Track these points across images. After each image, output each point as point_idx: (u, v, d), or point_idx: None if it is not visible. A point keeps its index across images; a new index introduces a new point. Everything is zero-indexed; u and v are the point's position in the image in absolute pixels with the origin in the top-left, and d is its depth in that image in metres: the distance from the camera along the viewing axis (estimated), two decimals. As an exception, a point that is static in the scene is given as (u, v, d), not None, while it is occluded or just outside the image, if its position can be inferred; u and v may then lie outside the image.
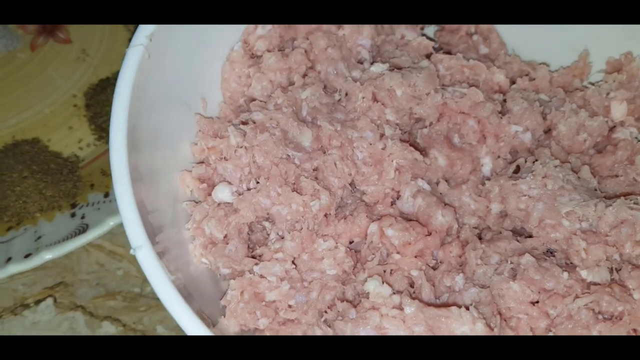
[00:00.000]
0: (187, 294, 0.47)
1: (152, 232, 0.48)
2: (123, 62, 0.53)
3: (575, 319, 0.49)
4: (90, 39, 0.87)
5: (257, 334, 0.54)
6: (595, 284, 0.52)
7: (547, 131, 0.63)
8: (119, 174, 0.48)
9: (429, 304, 0.52)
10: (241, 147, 0.59)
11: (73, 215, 0.72)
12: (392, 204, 0.60)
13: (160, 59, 0.57)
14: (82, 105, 0.82)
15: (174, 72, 0.59)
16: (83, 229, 0.68)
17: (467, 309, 0.49)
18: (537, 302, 0.52)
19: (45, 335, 0.60)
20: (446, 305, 0.51)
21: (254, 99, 0.65)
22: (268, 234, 0.59)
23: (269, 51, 0.65)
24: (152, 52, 0.55)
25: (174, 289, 0.44)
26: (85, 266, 0.72)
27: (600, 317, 0.50)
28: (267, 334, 0.54)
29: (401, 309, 0.50)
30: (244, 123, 0.61)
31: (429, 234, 0.56)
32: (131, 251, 0.45)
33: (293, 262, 0.56)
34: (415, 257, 0.56)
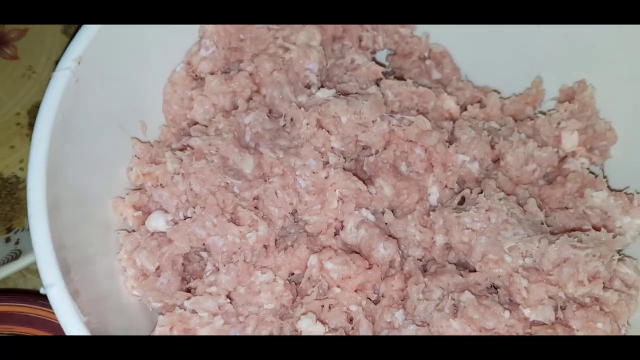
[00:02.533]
0: (103, 334, 0.44)
1: (68, 267, 0.45)
2: (47, 88, 0.51)
3: (515, 361, 0.47)
4: (37, 56, 0.84)
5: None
6: (538, 323, 0.50)
7: (496, 160, 0.62)
8: (34, 208, 0.46)
9: (365, 343, 0.50)
10: (178, 173, 0.57)
11: (8, 240, 0.69)
12: (335, 235, 0.58)
13: (92, 82, 0.54)
14: (25, 124, 0.80)
15: (108, 95, 0.57)
16: (16, 255, 0.66)
17: (401, 350, 0.46)
18: (478, 340, 0.50)
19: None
20: (380, 346, 0.49)
21: (196, 122, 0.63)
22: (205, 264, 0.57)
23: (212, 73, 0.63)
24: (81, 76, 0.52)
25: (84, 329, 0.42)
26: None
27: (541, 358, 0.49)
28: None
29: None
30: (183, 148, 0.59)
31: (370, 267, 0.54)
32: (41, 289, 0.43)
33: (228, 296, 0.54)
34: (356, 291, 0.54)
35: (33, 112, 0.80)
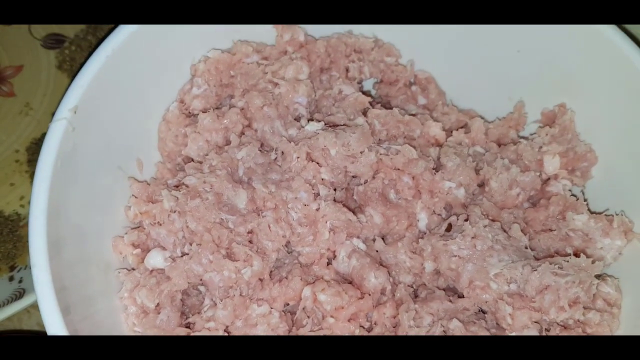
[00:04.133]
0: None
1: (69, 311, 0.47)
2: (45, 138, 0.53)
3: (502, 386, 0.50)
4: (34, 92, 0.86)
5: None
6: (524, 346, 0.52)
7: (482, 185, 0.64)
8: (36, 258, 0.48)
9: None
10: (174, 211, 0.59)
11: (11, 278, 0.71)
12: (328, 264, 0.60)
13: (89, 128, 0.56)
14: (25, 161, 0.82)
15: (105, 138, 0.59)
16: (20, 294, 0.67)
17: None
18: (468, 365, 0.52)
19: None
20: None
21: (191, 159, 0.65)
22: (203, 299, 0.59)
23: (204, 111, 0.65)
24: (78, 124, 0.55)
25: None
26: (27, 328, 0.71)
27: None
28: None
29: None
30: (179, 186, 0.61)
31: (362, 296, 0.56)
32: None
33: (226, 330, 0.56)
34: (349, 320, 0.56)
35: (31, 149, 0.82)
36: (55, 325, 0.45)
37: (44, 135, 0.79)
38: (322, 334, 0.55)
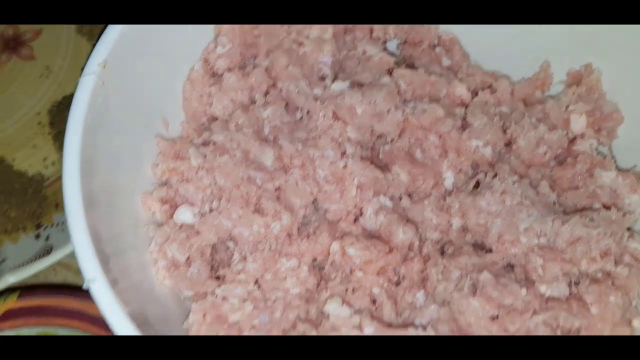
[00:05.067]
0: (144, 322, 0.47)
1: (107, 261, 0.48)
2: (75, 93, 0.53)
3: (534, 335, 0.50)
4: (53, 55, 0.86)
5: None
6: (553, 298, 0.53)
7: (508, 144, 0.64)
8: (71, 207, 0.48)
9: (389, 324, 0.52)
10: (202, 168, 0.59)
11: (37, 236, 0.72)
12: (355, 221, 0.60)
13: (116, 84, 0.56)
14: (47, 123, 0.82)
15: (132, 95, 0.59)
16: (47, 251, 0.68)
17: (425, 329, 0.49)
18: (497, 317, 0.52)
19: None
20: (405, 325, 0.51)
21: (216, 118, 0.65)
22: (232, 254, 0.59)
23: (229, 70, 0.65)
24: (106, 79, 0.55)
25: (127, 320, 0.44)
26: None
27: (558, 332, 0.51)
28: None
29: (361, 329, 0.50)
30: (205, 144, 0.61)
31: (391, 251, 0.57)
32: (84, 285, 0.45)
33: (256, 283, 0.56)
34: (377, 274, 0.56)
35: (53, 112, 0.82)
36: (93, 270, 0.46)
37: (64, 98, 0.81)
38: (351, 287, 0.55)
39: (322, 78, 0.67)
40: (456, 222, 0.59)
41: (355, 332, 0.50)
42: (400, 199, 0.62)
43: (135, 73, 0.59)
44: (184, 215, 0.59)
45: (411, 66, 0.72)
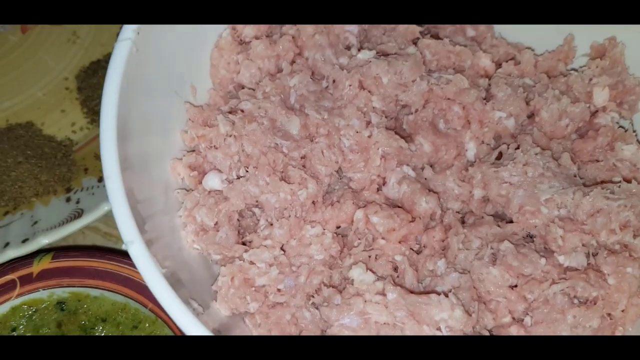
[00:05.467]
0: (177, 282, 0.49)
1: (143, 223, 0.50)
2: (111, 57, 0.54)
3: (551, 304, 0.52)
4: (80, 21, 0.87)
5: (247, 316, 0.57)
6: (572, 269, 0.54)
7: (531, 116, 0.65)
8: (109, 170, 0.50)
9: (410, 290, 0.54)
10: (230, 135, 0.60)
11: (68, 199, 0.74)
12: (378, 190, 0.62)
13: (149, 51, 0.58)
14: (74, 88, 0.83)
15: (163, 62, 0.60)
16: (78, 214, 0.70)
17: (447, 295, 0.51)
18: (516, 286, 0.54)
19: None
20: (427, 292, 0.53)
21: (243, 86, 0.66)
22: (258, 220, 0.61)
23: (257, 38, 0.66)
24: (139, 45, 0.56)
25: (164, 281, 0.46)
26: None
27: (575, 301, 0.53)
28: (257, 316, 0.56)
29: (384, 295, 0.52)
30: (233, 111, 0.62)
31: (413, 219, 0.58)
32: (123, 246, 0.47)
33: (282, 248, 0.58)
34: (400, 242, 0.58)
35: (81, 77, 0.83)
36: (131, 233, 0.48)
37: (92, 63, 0.82)
38: (374, 254, 0.57)
39: (348, 47, 0.68)
40: (478, 193, 0.60)
41: (378, 298, 0.51)
42: (423, 169, 0.63)
43: (166, 40, 0.60)
44: (213, 181, 0.60)
45: (435, 36, 0.73)
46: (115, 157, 0.50)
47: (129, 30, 0.55)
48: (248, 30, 0.67)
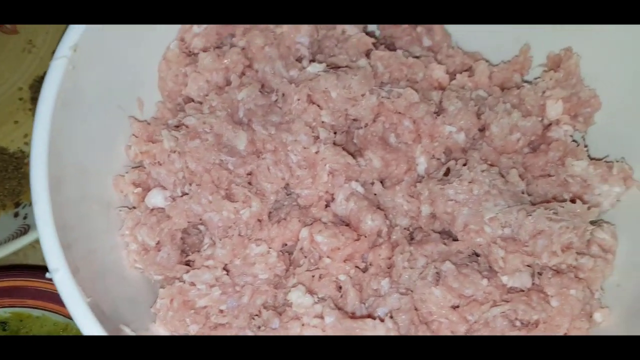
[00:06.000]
0: (105, 312, 0.48)
1: (72, 249, 0.49)
2: (45, 77, 0.53)
3: (491, 327, 0.51)
4: (36, 30, 0.86)
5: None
6: (515, 289, 0.53)
7: (483, 129, 0.64)
8: (37, 195, 0.49)
9: (353, 312, 0.53)
10: (174, 151, 0.59)
11: (16, 215, 0.73)
12: (326, 207, 0.61)
13: (89, 67, 0.56)
14: (28, 99, 0.82)
15: (106, 77, 0.59)
16: (24, 230, 0.69)
17: (383, 320, 0.50)
18: (458, 306, 0.53)
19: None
20: (364, 316, 0.53)
21: (192, 99, 0.65)
22: (204, 237, 0.60)
23: (205, 50, 0.65)
24: (77, 62, 0.54)
25: (88, 311, 0.45)
26: (32, 263, 0.73)
27: (518, 324, 0.52)
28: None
29: (322, 318, 0.51)
30: (180, 126, 0.61)
31: (359, 238, 0.57)
32: (47, 274, 0.46)
33: (225, 268, 0.57)
34: (345, 261, 0.57)
35: (35, 87, 0.82)
36: (56, 261, 0.46)
37: (46, 73, 0.80)
38: (318, 274, 0.56)
39: (299, 59, 0.67)
40: (425, 209, 0.59)
41: (316, 322, 0.51)
42: (373, 184, 0.62)
43: (109, 54, 0.59)
44: (155, 198, 0.59)
45: (391, 46, 0.72)
46: (44, 182, 0.49)
47: (64, 48, 0.54)
48: (196, 42, 0.66)
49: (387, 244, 0.58)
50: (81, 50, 0.55)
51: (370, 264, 0.58)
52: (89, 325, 0.45)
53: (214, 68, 0.64)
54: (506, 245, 0.53)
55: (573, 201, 0.54)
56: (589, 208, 0.53)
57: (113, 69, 0.60)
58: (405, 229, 0.60)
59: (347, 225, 0.59)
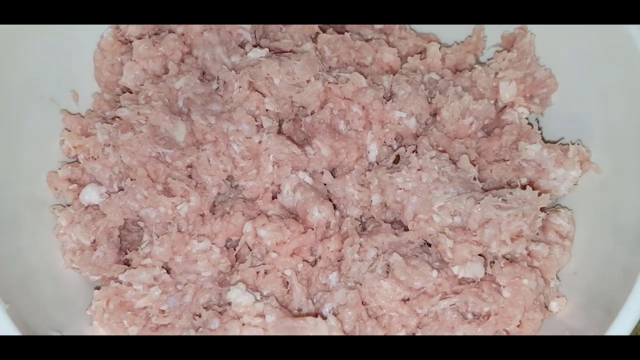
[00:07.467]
0: (30, 317, 0.45)
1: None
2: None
3: (441, 320, 0.49)
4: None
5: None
6: (467, 280, 0.51)
7: (435, 114, 0.61)
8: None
9: (298, 310, 0.51)
10: (108, 145, 0.56)
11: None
12: (273, 199, 0.58)
13: (10, 62, 0.53)
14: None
15: (34, 69, 0.56)
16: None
17: (325, 318, 0.47)
18: (409, 299, 0.51)
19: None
20: (308, 314, 0.50)
21: (129, 89, 0.61)
22: (143, 235, 0.57)
23: (140, 37, 0.61)
24: (-2, 55, 0.51)
25: (6, 318, 0.42)
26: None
27: (470, 316, 0.50)
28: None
29: (263, 316, 0.48)
30: (115, 118, 0.58)
31: (305, 231, 0.55)
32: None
33: (166, 266, 0.54)
34: (292, 255, 0.54)
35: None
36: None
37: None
38: (263, 270, 0.53)
39: (242, 45, 0.63)
40: (376, 199, 0.57)
41: (257, 321, 0.48)
42: (322, 173, 0.59)
43: (33, 48, 0.55)
44: (90, 195, 0.56)
45: (341, 29, 0.69)
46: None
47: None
48: (132, 29, 0.62)
49: (337, 236, 0.55)
50: (3, 42, 0.52)
51: (320, 257, 0.55)
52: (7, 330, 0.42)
53: (150, 56, 0.60)
54: (455, 234, 0.50)
55: (525, 187, 0.51)
56: (539, 194, 0.50)
57: (42, 60, 0.57)
58: (356, 219, 0.58)
59: (295, 217, 0.56)
